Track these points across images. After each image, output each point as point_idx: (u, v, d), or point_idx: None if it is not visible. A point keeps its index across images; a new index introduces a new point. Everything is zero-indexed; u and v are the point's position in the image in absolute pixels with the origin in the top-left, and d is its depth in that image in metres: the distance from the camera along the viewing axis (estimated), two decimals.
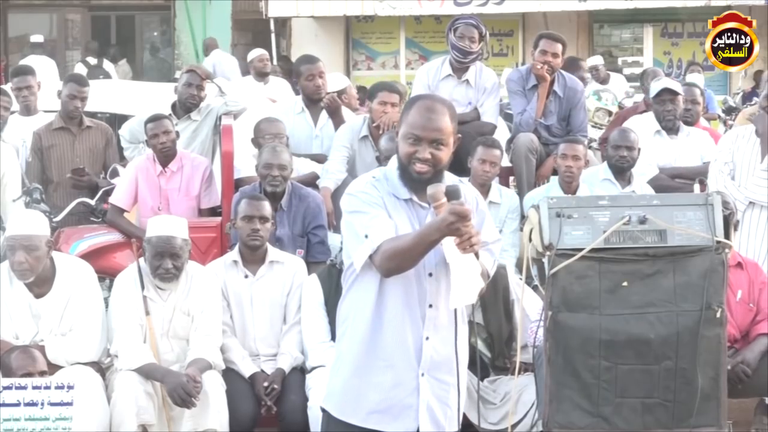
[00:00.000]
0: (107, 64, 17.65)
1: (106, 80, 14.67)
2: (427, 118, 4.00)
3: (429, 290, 4.03)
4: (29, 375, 5.53)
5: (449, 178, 4.12)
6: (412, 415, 4.07)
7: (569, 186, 7.35)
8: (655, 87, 8.16)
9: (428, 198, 3.93)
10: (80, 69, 16.01)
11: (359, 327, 4.08)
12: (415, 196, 4.05)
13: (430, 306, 4.04)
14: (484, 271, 4.06)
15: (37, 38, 17.16)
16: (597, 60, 15.09)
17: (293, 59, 12.84)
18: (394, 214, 4.03)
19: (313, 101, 8.07)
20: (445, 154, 4.01)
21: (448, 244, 3.88)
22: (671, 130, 7.93)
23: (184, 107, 8.04)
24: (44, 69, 12.46)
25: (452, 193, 3.88)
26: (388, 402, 4.06)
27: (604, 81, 14.33)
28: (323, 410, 4.22)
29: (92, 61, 17.65)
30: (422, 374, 4.06)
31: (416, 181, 4.00)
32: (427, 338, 4.05)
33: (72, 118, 8.00)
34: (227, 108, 8.00)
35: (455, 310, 4.06)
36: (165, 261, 6.01)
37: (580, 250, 5.33)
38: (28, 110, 8.33)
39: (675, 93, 7.94)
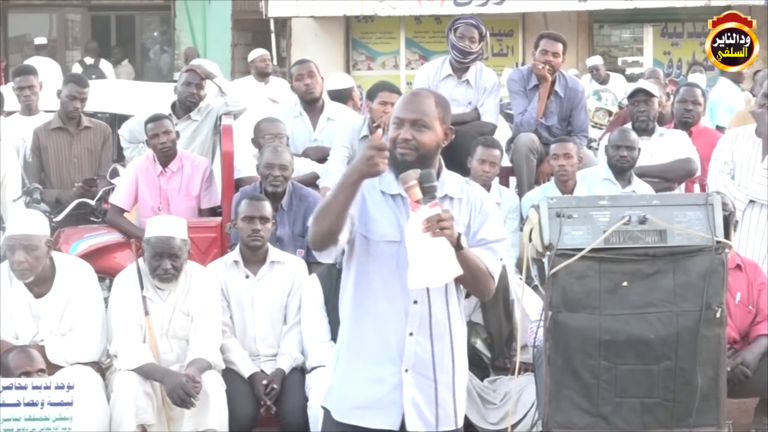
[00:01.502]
0: (104, 64, 17.62)
1: (104, 80, 14.67)
2: (409, 101, 4.04)
3: None
4: (27, 374, 5.52)
5: (454, 178, 4.12)
6: (396, 411, 4.02)
7: (566, 185, 7.36)
8: (631, 87, 8.11)
9: (399, 180, 3.91)
10: (76, 69, 16.01)
11: (344, 324, 4.11)
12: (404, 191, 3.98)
13: (415, 302, 4.00)
14: (486, 269, 4.04)
15: (40, 40, 17.16)
16: (597, 60, 15.11)
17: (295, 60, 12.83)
18: (377, 211, 4.01)
19: (307, 102, 8.07)
20: (429, 138, 3.98)
21: (414, 223, 3.83)
22: (644, 131, 7.80)
23: (184, 107, 8.03)
24: (48, 71, 12.43)
25: (425, 177, 3.86)
26: (372, 398, 4.03)
27: (604, 81, 14.36)
28: (324, 408, 4.22)
29: (89, 60, 17.64)
30: (406, 370, 4.01)
31: (400, 165, 3.95)
32: (411, 334, 4.00)
33: (71, 118, 7.98)
34: (227, 108, 8.00)
35: (449, 308, 4.02)
36: (164, 261, 6.01)
37: (580, 250, 5.33)
38: (29, 110, 8.32)
39: (650, 94, 7.90)
